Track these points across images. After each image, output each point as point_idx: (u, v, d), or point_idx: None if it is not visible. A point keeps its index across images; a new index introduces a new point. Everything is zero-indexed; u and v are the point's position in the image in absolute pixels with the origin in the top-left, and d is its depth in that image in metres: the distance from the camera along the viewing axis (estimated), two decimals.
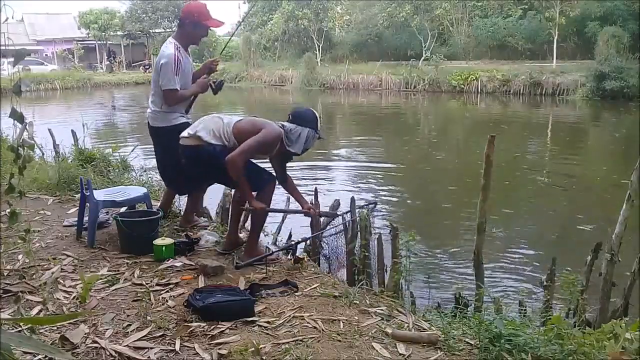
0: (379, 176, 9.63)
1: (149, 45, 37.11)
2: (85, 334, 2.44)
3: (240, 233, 3.76)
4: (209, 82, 3.86)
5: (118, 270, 3.23)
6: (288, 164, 3.65)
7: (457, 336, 2.47)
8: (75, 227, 3.85)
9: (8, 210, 1.53)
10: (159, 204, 4.33)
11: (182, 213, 4.22)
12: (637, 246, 3.69)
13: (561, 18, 22.05)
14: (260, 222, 3.43)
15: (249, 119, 3.41)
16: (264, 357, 2.26)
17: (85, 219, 3.76)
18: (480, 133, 13.09)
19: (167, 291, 2.94)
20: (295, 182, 3.77)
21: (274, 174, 3.52)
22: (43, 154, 6.66)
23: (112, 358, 2.28)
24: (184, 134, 3.38)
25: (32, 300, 2.78)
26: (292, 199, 4.88)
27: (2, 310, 2.62)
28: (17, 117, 1.35)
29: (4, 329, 1.22)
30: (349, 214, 3.83)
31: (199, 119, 3.45)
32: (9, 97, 1.38)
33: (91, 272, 3.18)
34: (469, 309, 3.27)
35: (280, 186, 3.57)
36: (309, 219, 4.01)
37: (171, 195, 4.30)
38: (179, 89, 3.70)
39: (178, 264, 3.31)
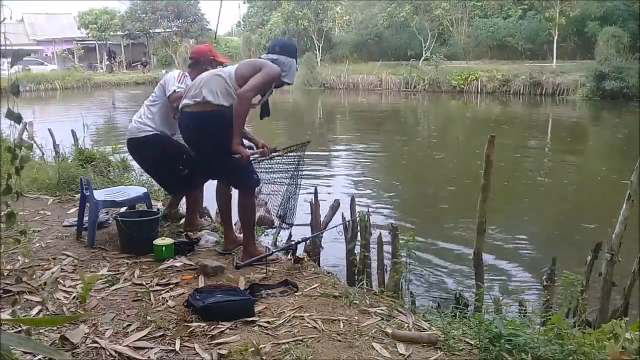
0: (379, 176, 9.64)
1: (149, 45, 37.11)
2: (85, 334, 2.44)
3: (240, 234, 3.76)
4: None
5: (118, 270, 3.23)
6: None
7: (457, 336, 2.47)
8: (75, 227, 3.85)
9: (5, 209, 1.51)
10: (163, 205, 4.33)
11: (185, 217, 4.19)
12: (637, 246, 3.69)
13: (561, 18, 22.05)
14: (250, 223, 3.41)
15: (245, 62, 3.39)
16: (264, 357, 2.26)
17: (85, 219, 3.76)
18: (480, 133, 13.09)
19: (167, 291, 2.94)
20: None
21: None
22: (43, 154, 6.66)
23: (112, 358, 2.28)
24: (188, 101, 3.27)
25: (32, 300, 2.78)
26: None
27: (2, 310, 2.62)
28: (14, 117, 1.33)
29: (3, 329, 1.22)
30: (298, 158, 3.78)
31: (196, 82, 3.31)
32: (9, 97, 1.37)
33: (91, 272, 3.18)
34: (469, 309, 3.27)
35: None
36: (309, 219, 4.02)
37: (177, 196, 4.29)
38: (176, 90, 3.76)
39: (178, 264, 3.30)
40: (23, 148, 1.39)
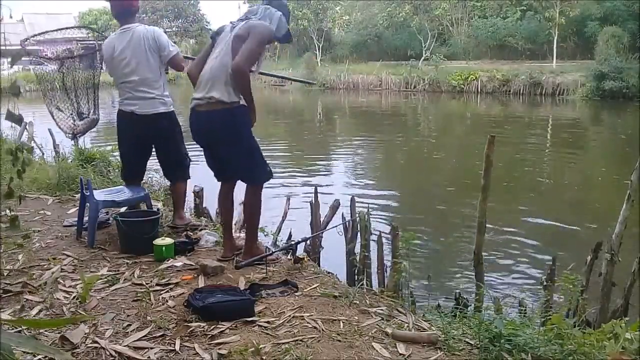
0: (379, 176, 9.65)
1: None
2: (85, 334, 2.44)
3: (240, 234, 3.76)
4: None
5: (118, 270, 3.23)
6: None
7: (457, 336, 2.46)
8: (75, 227, 3.85)
9: (8, 214, 1.50)
10: (163, 205, 4.31)
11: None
12: (637, 246, 3.69)
13: (561, 18, 22.08)
14: (256, 220, 3.39)
15: (237, 41, 3.04)
16: (264, 357, 2.26)
17: (85, 219, 3.76)
18: (480, 133, 13.09)
19: (167, 291, 2.93)
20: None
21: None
22: (43, 154, 6.66)
23: (112, 358, 2.28)
24: (199, 100, 3.14)
25: (32, 300, 2.78)
26: (291, 199, 4.92)
27: (2, 310, 2.62)
28: (15, 119, 1.31)
29: (4, 329, 1.22)
30: None
31: (204, 76, 3.14)
32: (8, 97, 1.35)
33: (91, 272, 3.18)
34: (469, 309, 3.27)
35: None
36: (309, 219, 4.01)
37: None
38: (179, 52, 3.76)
39: (178, 264, 3.30)
40: (24, 150, 1.37)
